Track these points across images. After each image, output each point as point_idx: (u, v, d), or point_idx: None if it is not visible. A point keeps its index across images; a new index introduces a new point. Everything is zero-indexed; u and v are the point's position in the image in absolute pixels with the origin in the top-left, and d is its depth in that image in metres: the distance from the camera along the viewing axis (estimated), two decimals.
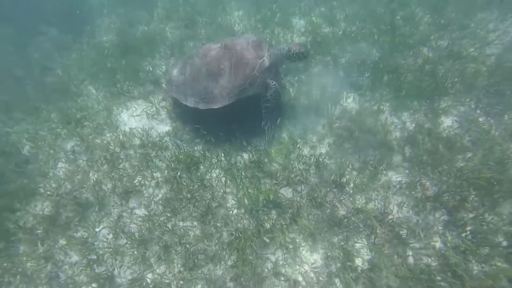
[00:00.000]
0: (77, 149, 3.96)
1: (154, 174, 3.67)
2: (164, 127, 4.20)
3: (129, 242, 3.08)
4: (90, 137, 4.05)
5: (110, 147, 3.90)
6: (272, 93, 3.75)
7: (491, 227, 2.88)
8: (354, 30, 5.28)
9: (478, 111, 3.84)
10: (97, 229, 3.23)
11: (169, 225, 3.19)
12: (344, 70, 4.58)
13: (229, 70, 3.63)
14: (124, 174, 3.61)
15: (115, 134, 4.03)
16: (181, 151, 3.83)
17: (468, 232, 2.90)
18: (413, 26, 5.16)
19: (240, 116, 3.98)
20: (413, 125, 3.78)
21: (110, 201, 3.44)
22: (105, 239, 3.15)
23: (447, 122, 3.79)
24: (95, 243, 3.14)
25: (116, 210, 3.38)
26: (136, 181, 3.58)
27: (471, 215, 2.99)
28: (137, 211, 3.34)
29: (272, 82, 3.77)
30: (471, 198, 3.08)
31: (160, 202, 3.42)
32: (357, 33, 5.18)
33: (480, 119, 3.74)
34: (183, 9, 6.41)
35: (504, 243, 2.78)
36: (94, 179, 3.61)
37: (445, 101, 3.96)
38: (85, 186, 3.54)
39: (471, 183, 3.14)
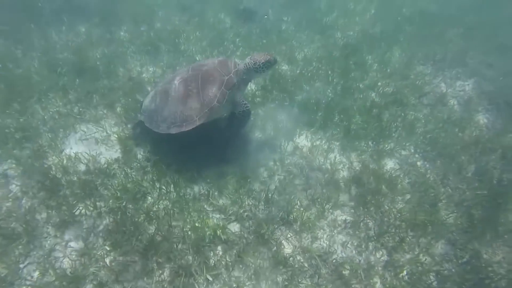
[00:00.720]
0: (10, 173, 3.63)
1: (97, 203, 3.45)
2: (113, 153, 4.02)
3: (58, 280, 2.81)
4: (29, 160, 3.75)
5: (51, 172, 3.63)
6: (242, 112, 3.76)
7: (425, 268, 3.03)
8: (311, 70, 5.58)
9: (416, 155, 4.15)
10: (21, 265, 2.91)
11: (107, 260, 2.98)
12: (299, 107, 4.76)
13: (197, 90, 3.59)
14: (63, 203, 3.35)
15: (59, 158, 3.78)
16: (130, 179, 3.66)
17: (405, 273, 3.02)
18: (364, 72, 5.57)
19: (194, 146, 3.94)
20: (360, 165, 3.97)
21: (43, 232, 3.15)
22: (29, 277, 2.84)
23: (390, 164, 4.04)
24: (15, 282, 2.81)
25: (48, 242, 3.09)
26: (76, 210, 3.34)
27: (407, 256, 3.14)
28: (72, 244, 3.08)
29: (243, 101, 3.78)
30: (408, 239, 3.25)
31: (101, 234, 3.20)
32: (313, 73, 5.47)
33: (418, 163, 4.04)
34: (147, 34, 6.40)
35: (435, 283, 2.92)
36: (27, 207, 3.30)
37: (389, 144, 4.23)
38: (14, 215, 3.22)
39: (409, 224, 3.33)
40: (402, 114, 4.62)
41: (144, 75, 5.38)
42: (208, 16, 7.27)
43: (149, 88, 4.97)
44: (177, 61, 5.66)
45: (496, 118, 4.75)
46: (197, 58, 5.82)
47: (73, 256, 2.96)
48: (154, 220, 3.33)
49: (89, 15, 6.79)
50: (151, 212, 3.38)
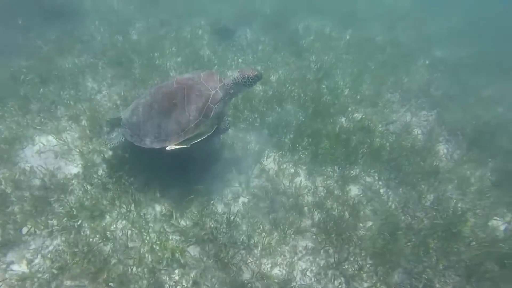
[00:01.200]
0: None
1: (49, 221, 3.28)
2: (74, 168, 3.87)
3: None
4: None
5: (1, 187, 3.43)
6: (223, 129, 3.79)
7: None
8: (284, 91, 5.66)
9: (380, 183, 4.25)
10: None
11: (52, 285, 2.80)
12: (269, 129, 4.80)
13: (182, 104, 3.52)
14: (10, 221, 3.16)
15: (10, 172, 3.58)
16: (88, 196, 3.52)
17: None
18: (335, 97, 5.72)
19: (160, 163, 3.85)
20: (324, 190, 4.02)
21: None
22: None
23: (354, 190, 4.11)
24: None
25: None
26: (24, 228, 3.15)
27: (365, 285, 3.16)
28: (14, 267, 2.89)
29: (226, 117, 3.77)
30: (367, 268, 3.28)
31: (49, 255, 3.02)
32: (286, 95, 5.55)
33: (381, 190, 4.14)
34: (121, 46, 6.32)
35: None
36: None
37: (354, 170, 4.32)
38: None
39: (369, 252, 3.37)
40: (369, 141, 4.75)
41: (114, 87, 5.27)
42: (185, 32, 7.30)
43: (118, 102, 4.87)
44: (150, 75, 5.60)
45: (454, 148, 4.98)
46: (171, 73, 5.79)
47: (13, 281, 2.76)
48: (110, 241, 3.20)
49: (62, 22, 6.64)
50: (108, 232, 3.25)
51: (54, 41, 6.10)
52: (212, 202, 3.69)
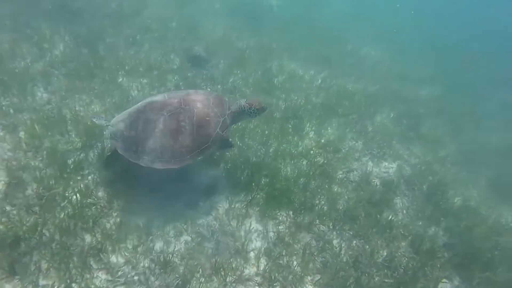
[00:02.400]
0: None
1: None
2: None
3: None
4: None
5: None
6: (227, 148, 4.04)
7: None
8: (248, 126, 5.60)
9: (334, 233, 4.15)
10: None
11: None
12: (226, 163, 4.64)
13: (191, 128, 3.54)
14: None
15: None
16: (5, 220, 3.11)
17: None
18: (300, 138, 5.74)
19: None
20: (275, 236, 3.84)
21: None
22: None
23: (306, 238, 3.97)
24: None
25: None
26: None
27: None
28: None
29: (229, 139, 3.94)
30: None
31: None
32: (249, 130, 5.48)
33: (335, 241, 4.03)
34: (85, 59, 6.08)
35: None
36: None
37: (309, 216, 4.21)
38: None
39: None
40: (327, 187, 4.71)
41: (68, 100, 4.96)
42: (156, 54, 7.21)
43: (68, 116, 4.56)
44: (111, 93, 5.37)
45: (411, 203, 5.05)
46: (133, 94, 5.58)
47: None
48: (19, 276, 2.79)
49: (24, 23, 6.36)
50: (17, 265, 2.84)
51: (8, 42, 5.77)
52: (151, 237, 3.40)
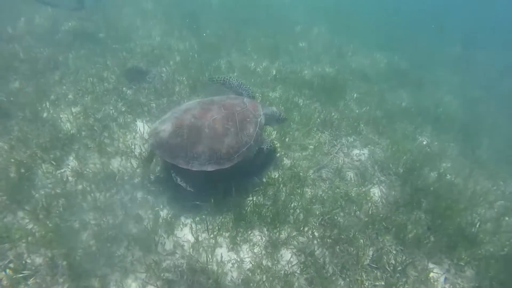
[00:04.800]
0: None
1: None
2: None
3: None
4: None
5: None
6: (268, 147, 4.65)
7: None
8: None
9: (315, 242, 4.02)
10: None
11: None
12: (182, 190, 4.38)
13: (235, 129, 4.10)
14: None
15: None
16: None
17: None
18: None
19: None
20: (252, 262, 3.65)
21: None
22: None
23: (286, 256, 3.81)
24: None
25: None
26: None
27: None
28: None
29: (267, 138, 4.65)
30: None
31: None
32: None
33: (317, 252, 3.90)
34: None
35: None
36: None
37: (285, 230, 4.06)
38: None
39: None
40: (300, 191, 4.58)
41: None
42: (86, 75, 6.70)
43: None
44: (37, 132, 4.88)
45: (389, 189, 5.05)
46: (65, 128, 5.10)
47: None
48: None
49: None
50: None
51: None
52: None
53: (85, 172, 4.37)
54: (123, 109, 5.89)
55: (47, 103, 5.50)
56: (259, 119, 4.36)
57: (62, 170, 4.37)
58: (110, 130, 5.29)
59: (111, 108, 5.88)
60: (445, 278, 3.85)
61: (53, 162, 4.41)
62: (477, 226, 4.45)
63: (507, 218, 4.84)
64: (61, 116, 5.35)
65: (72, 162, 4.55)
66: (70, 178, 4.27)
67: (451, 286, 3.78)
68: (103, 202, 4.05)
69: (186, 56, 8.49)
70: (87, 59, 7.40)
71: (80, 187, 4.15)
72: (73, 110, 5.58)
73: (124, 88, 6.59)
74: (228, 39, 10.25)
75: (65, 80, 6.42)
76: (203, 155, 3.90)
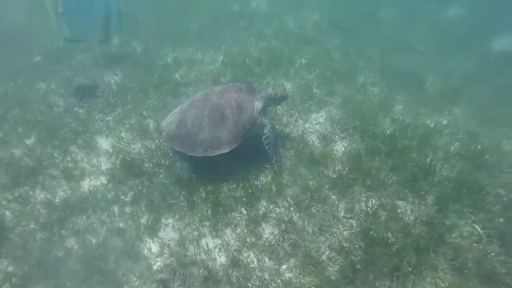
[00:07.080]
0: None
1: None
2: None
3: None
4: None
5: None
6: (270, 128, 4.63)
7: None
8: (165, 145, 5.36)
9: (291, 208, 4.24)
10: None
11: None
12: (159, 190, 4.46)
13: (232, 115, 4.38)
14: None
15: None
16: None
17: None
18: None
19: None
20: (237, 243, 3.83)
21: None
22: None
23: (268, 229, 4.02)
24: None
25: None
26: None
27: None
28: None
29: (267, 120, 4.69)
30: None
31: None
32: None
33: (295, 218, 4.13)
34: None
35: None
36: None
37: (262, 205, 4.25)
38: None
39: None
40: (269, 166, 4.74)
41: None
42: (32, 102, 6.47)
43: None
44: None
45: (350, 143, 5.31)
46: (22, 164, 4.97)
47: None
48: None
49: None
50: None
51: None
52: None
53: (56, 201, 4.34)
54: (80, 130, 5.78)
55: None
56: (256, 103, 4.57)
57: (31, 206, 4.32)
58: (71, 153, 5.22)
59: (67, 131, 5.75)
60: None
61: (19, 200, 4.34)
62: (431, 156, 4.83)
63: (455, 144, 5.25)
64: (14, 152, 5.20)
65: (40, 195, 4.50)
66: (42, 210, 4.23)
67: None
68: (82, 225, 4.07)
69: (131, 61, 8.29)
70: (27, 88, 7.10)
71: (54, 216, 4.14)
72: (27, 142, 5.43)
73: (75, 108, 6.45)
74: (169, 34, 10.04)
75: (10, 115, 6.17)
76: (205, 141, 4.30)
